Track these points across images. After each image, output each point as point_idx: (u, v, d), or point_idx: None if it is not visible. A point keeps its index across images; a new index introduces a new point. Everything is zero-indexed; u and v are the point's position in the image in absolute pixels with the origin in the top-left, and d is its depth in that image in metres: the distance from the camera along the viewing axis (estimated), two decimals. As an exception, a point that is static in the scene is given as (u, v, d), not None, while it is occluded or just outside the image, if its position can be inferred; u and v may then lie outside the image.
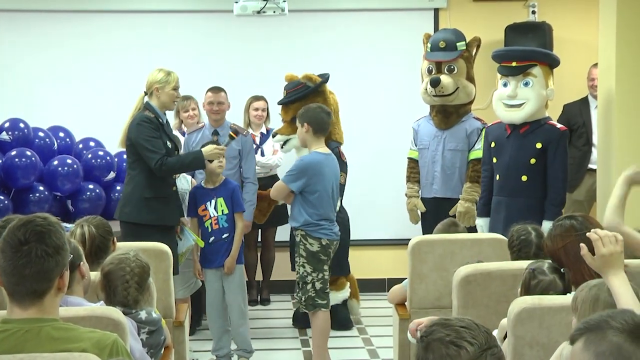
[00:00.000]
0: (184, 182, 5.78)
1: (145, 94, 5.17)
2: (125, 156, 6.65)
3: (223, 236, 5.43)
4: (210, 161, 5.29)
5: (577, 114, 7.01)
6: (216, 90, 6.23)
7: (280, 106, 6.25)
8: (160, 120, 5.13)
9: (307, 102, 5.84)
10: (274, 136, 6.26)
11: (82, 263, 3.13)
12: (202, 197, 5.45)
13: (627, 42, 5.49)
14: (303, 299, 5.17)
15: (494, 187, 5.68)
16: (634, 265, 3.53)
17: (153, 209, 5.06)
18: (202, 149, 5.23)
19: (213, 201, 5.43)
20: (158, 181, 5.09)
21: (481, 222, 5.79)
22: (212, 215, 5.42)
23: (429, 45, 6.36)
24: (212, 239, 5.43)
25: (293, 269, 6.23)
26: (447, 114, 6.28)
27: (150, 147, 5.01)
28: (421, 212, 6.38)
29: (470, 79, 6.35)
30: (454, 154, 6.22)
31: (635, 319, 1.96)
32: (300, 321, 6.36)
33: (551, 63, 5.74)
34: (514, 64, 5.61)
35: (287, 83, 6.15)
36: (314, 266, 5.15)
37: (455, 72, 6.27)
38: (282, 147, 6.27)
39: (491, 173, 5.73)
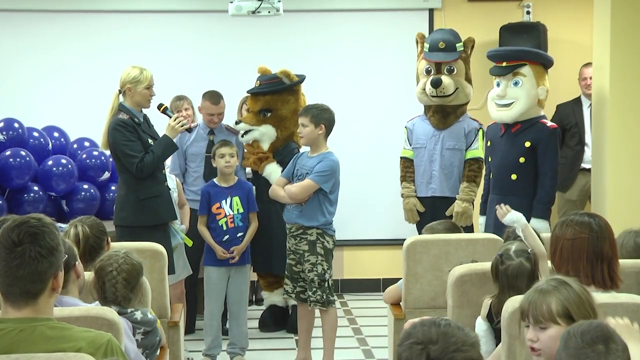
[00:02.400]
0: (170, 182, 5.78)
1: (120, 92, 5.12)
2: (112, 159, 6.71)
3: (238, 235, 5.48)
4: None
5: (570, 114, 7.04)
6: (216, 99, 6.12)
7: (249, 96, 6.16)
8: (136, 120, 5.06)
9: (280, 97, 5.94)
10: (237, 123, 6.13)
11: (77, 263, 3.13)
12: (217, 195, 5.47)
13: (621, 42, 5.50)
14: (323, 297, 5.17)
15: (490, 185, 5.75)
16: (629, 265, 3.54)
17: (149, 209, 5.04)
18: (165, 133, 5.13)
19: (228, 199, 5.46)
20: (149, 180, 5.06)
21: (482, 220, 5.84)
22: (227, 214, 5.45)
23: (427, 45, 6.35)
24: (226, 237, 5.46)
25: (257, 269, 6.28)
26: (446, 114, 6.28)
27: (128, 151, 4.98)
28: (418, 212, 6.38)
29: (469, 79, 6.36)
30: (452, 152, 6.22)
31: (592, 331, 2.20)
32: (268, 324, 6.37)
33: (544, 63, 5.76)
34: (504, 64, 5.66)
35: (261, 75, 6.09)
36: (329, 263, 5.20)
37: (454, 72, 6.27)
38: (242, 137, 6.10)
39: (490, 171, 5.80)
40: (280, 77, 5.98)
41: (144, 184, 5.04)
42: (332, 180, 5.14)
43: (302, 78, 6.08)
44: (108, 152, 6.65)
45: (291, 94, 6.03)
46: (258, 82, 6.06)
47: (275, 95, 5.97)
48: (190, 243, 5.44)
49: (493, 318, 3.39)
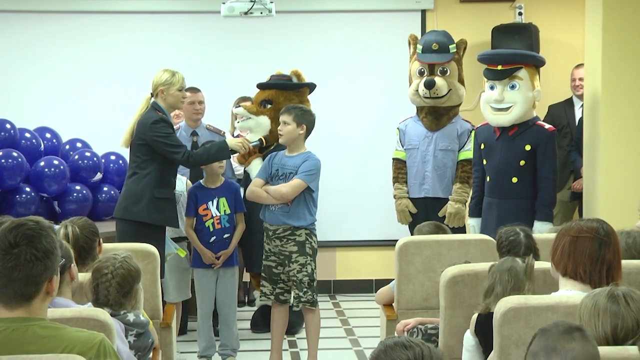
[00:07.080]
0: (179, 184, 5.77)
1: (152, 95, 5.16)
2: (119, 155, 6.69)
3: (224, 236, 5.45)
4: (233, 152, 5.37)
5: (561, 115, 7.06)
6: (195, 89, 6.28)
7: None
8: (170, 122, 5.16)
9: (283, 93, 5.95)
10: (237, 107, 6.21)
11: (72, 265, 3.12)
12: (204, 196, 5.44)
13: (613, 44, 5.52)
14: (313, 296, 5.17)
15: (485, 189, 5.72)
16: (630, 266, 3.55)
17: (162, 210, 5.09)
18: (226, 140, 5.27)
19: (215, 201, 5.43)
20: (166, 182, 5.13)
21: (473, 222, 5.83)
22: (214, 215, 5.43)
23: (420, 47, 6.35)
24: (213, 238, 5.43)
25: (251, 269, 6.27)
26: (439, 115, 6.29)
27: (172, 142, 5.07)
28: (410, 213, 6.38)
29: (461, 81, 6.37)
30: (445, 153, 6.23)
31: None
32: (260, 325, 6.36)
33: (537, 64, 5.77)
34: (499, 67, 5.63)
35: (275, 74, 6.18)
36: (316, 263, 5.20)
37: (448, 74, 6.28)
38: (238, 122, 6.15)
39: (482, 174, 5.77)
40: (291, 76, 6.04)
41: (162, 184, 5.11)
42: (317, 179, 5.17)
43: (312, 85, 6.08)
44: (101, 153, 6.70)
45: (296, 94, 6.00)
46: (269, 77, 6.11)
47: (282, 91, 5.98)
48: (183, 254, 5.45)
49: (482, 331, 3.35)
